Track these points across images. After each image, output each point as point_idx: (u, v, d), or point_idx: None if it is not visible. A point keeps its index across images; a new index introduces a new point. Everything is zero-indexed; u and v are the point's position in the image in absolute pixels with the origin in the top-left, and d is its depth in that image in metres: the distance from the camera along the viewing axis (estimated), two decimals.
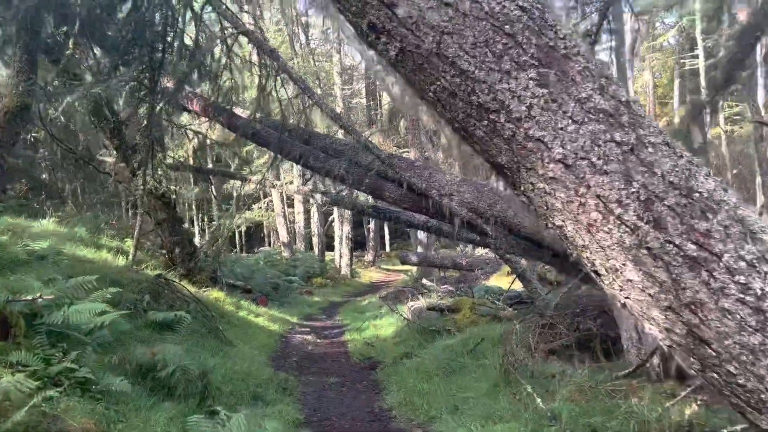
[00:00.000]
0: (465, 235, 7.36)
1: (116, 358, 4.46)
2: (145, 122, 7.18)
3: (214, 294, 9.63)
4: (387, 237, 39.15)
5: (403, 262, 16.45)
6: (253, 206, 29.75)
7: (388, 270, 30.10)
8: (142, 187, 7.47)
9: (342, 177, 7.62)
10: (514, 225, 6.16)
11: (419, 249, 18.10)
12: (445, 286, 13.17)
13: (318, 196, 8.87)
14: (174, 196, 10.23)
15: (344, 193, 8.27)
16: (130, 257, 7.35)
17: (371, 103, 31.09)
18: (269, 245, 32.98)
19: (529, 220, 6.06)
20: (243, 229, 30.47)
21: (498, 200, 6.35)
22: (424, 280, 12.74)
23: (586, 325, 6.81)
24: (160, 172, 9.67)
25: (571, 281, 8.38)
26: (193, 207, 30.97)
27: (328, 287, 20.19)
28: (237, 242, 31.49)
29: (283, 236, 22.66)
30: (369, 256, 30.45)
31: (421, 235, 17.95)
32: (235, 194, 32.87)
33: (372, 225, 31.21)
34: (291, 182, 9.93)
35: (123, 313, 5.29)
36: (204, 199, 31.15)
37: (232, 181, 31.44)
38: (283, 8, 17.24)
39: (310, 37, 25.59)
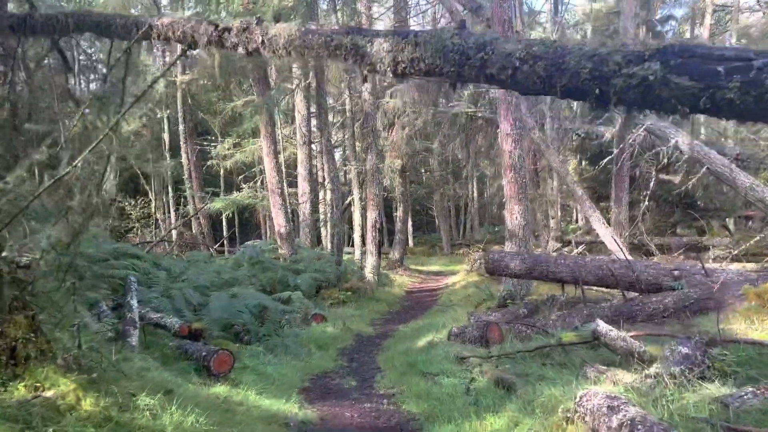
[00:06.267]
0: None
1: None
2: None
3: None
4: (410, 228, 31.65)
5: (493, 272, 9.02)
6: (243, 185, 22.33)
7: (419, 272, 22.69)
8: None
9: None
10: None
11: (507, 245, 10.69)
12: (630, 333, 5.79)
13: None
14: None
15: None
16: None
17: None
18: (265, 237, 25.52)
19: None
20: (230, 215, 23.00)
21: None
22: (600, 323, 5.39)
23: None
24: None
25: None
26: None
27: (349, 305, 12.81)
28: (224, 234, 24.16)
29: (281, 224, 15.27)
30: (396, 254, 23.02)
31: (513, 221, 10.55)
32: (222, 172, 25.47)
33: (400, 212, 23.76)
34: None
35: None
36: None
37: (215, 153, 23.94)
38: None
39: None
